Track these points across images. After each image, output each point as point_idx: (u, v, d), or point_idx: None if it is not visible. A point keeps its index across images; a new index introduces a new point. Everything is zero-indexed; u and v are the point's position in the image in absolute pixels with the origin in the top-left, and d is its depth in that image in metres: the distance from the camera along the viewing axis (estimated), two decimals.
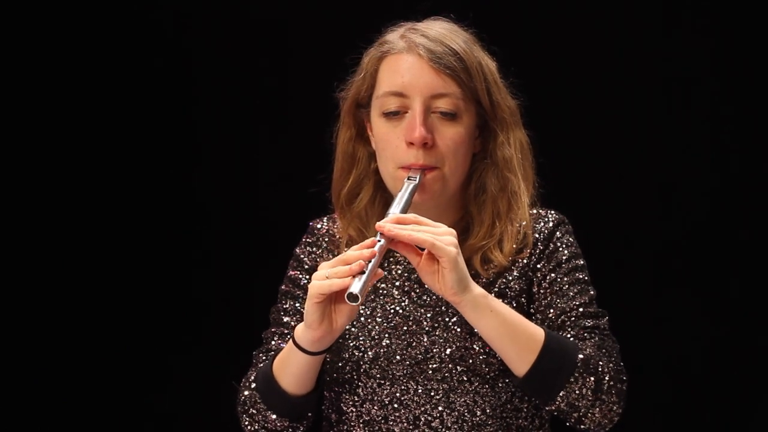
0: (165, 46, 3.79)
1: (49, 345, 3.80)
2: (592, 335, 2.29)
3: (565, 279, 2.33)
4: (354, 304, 2.10)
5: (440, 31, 2.36)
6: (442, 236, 2.15)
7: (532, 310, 2.33)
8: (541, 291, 2.33)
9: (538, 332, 2.21)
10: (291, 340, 2.24)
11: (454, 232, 2.17)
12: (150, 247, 3.83)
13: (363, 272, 2.11)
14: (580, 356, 2.22)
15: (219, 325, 3.80)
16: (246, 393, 2.33)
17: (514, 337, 2.19)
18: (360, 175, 2.41)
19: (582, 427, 2.25)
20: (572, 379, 2.21)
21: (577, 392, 2.21)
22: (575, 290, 2.33)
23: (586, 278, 2.36)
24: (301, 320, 2.28)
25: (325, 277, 2.13)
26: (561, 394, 2.21)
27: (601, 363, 2.23)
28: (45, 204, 3.80)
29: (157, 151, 3.83)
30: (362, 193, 2.40)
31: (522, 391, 2.31)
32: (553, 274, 2.33)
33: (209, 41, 3.78)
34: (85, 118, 3.79)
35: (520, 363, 2.20)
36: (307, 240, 2.45)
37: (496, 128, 2.36)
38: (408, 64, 2.32)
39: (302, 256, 2.43)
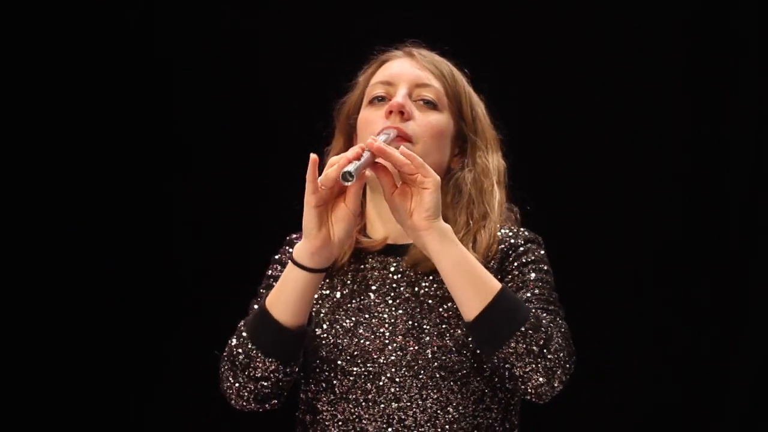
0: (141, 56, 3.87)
1: (30, 347, 3.86)
2: (550, 315, 2.29)
3: (532, 275, 2.34)
4: (347, 183, 2.12)
5: (434, 54, 2.49)
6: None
7: None
8: (507, 283, 2.34)
9: (496, 282, 2.22)
10: (289, 261, 2.24)
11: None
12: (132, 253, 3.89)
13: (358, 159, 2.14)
14: (533, 314, 2.21)
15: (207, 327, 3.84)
16: (233, 342, 2.29)
17: (473, 277, 2.20)
18: None
19: (522, 387, 2.22)
20: (521, 330, 2.19)
21: (524, 346, 2.19)
22: (539, 285, 2.34)
23: (552, 283, 2.37)
24: None
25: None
26: (508, 344, 2.19)
27: (551, 326, 2.22)
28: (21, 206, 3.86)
29: (139, 159, 3.89)
30: None
31: (470, 338, 2.31)
32: (519, 270, 2.35)
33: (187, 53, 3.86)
34: (67, 122, 3.86)
35: (473, 305, 2.20)
36: (286, 249, 2.48)
37: (476, 139, 2.45)
38: (400, 61, 2.46)
39: (282, 257, 2.45)
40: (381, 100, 2.42)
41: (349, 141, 2.48)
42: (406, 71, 2.43)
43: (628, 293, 3.71)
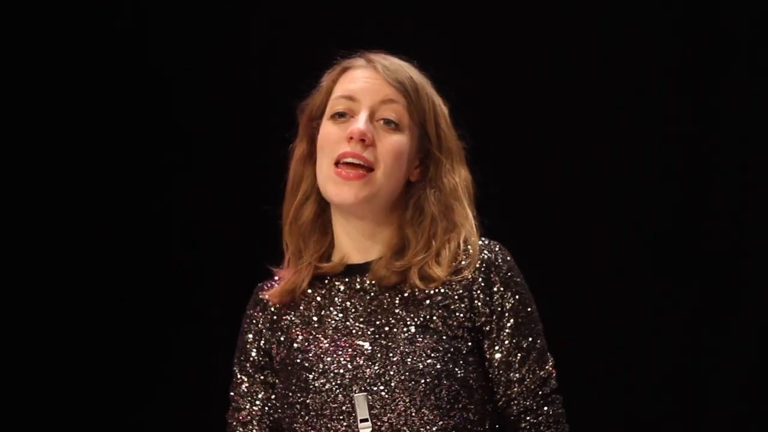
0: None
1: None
2: (546, 409, 2.38)
3: (523, 343, 2.38)
4: None
5: (399, 61, 2.47)
6: None
7: (487, 355, 2.39)
8: (498, 348, 2.39)
9: None
10: None
11: None
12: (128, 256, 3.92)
13: None
14: None
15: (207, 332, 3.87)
16: None
17: None
18: (306, 192, 2.46)
19: None
20: None
21: None
22: (533, 353, 2.39)
23: (537, 319, 2.41)
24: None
25: None
26: None
27: None
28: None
29: (138, 159, 3.91)
30: (305, 209, 2.46)
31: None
32: (507, 330, 2.38)
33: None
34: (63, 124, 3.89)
35: None
36: (256, 316, 2.51)
37: (441, 157, 2.44)
38: (364, 75, 2.42)
39: (253, 338, 2.50)
40: (342, 116, 2.41)
41: (312, 143, 2.46)
42: (368, 87, 2.41)
43: (622, 293, 3.72)
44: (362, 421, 2.24)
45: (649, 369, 3.70)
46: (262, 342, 2.46)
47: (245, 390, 2.46)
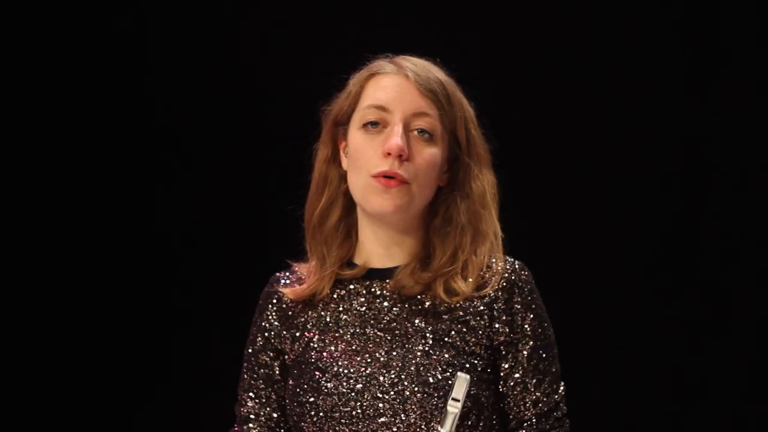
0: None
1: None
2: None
3: (540, 366, 2.38)
4: None
5: (426, 63, 2.44)
6: None
7: (502, 375, 2.39)
8: (515, 369, 2.39)
9: None
10: None
11: None
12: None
13: None
14: None
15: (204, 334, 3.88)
16: None
17: None
18: (331, 196, 2.44)
19: None
20: None
21: None
22: (546, 381, 2.39)
23: (553, 340, 2.41)
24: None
25: None
26: None
27: None
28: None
29: (139, 160, 3.91)
30: (331, 215, 2.44)
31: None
32: (524, 352, 2.38)
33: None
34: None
35: None
36: (270, 308, 2.49)
37: (470, 162, 2.42)
38: (395, 82, 2.39)
39: (261, 331, 2.49)
40: (375, 125, 2.39)
41: (336, 147, 2.46)
42: (400, 97, 2.38)
43: (622, 294, 3.72)
44: (453, 399, 2.21)
45: (649, 369, 3.71)
46: (272, 337, 2.45)
47: (247, 385, 2.45)
